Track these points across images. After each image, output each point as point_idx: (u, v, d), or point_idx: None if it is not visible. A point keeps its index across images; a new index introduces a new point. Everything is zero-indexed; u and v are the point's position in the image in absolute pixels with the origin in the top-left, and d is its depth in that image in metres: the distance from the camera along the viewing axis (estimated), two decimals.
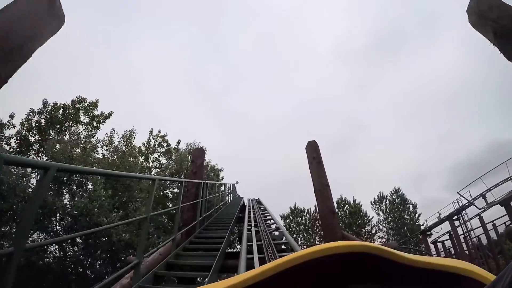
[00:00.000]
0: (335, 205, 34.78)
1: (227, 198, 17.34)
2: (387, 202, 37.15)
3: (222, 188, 15.07)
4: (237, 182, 22.45)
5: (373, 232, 35.03)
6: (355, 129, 57.17)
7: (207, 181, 7.78)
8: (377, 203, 37.46)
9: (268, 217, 9.95)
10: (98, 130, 16.51)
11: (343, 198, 35.32)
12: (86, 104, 16.53)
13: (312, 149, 7.68)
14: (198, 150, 8.06)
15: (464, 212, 23.30)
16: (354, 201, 36.49)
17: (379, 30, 62.71)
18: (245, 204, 15.36)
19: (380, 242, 33.96)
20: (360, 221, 35.04)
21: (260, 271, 0.47)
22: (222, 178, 22.67)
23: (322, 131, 59.28)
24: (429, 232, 28.15)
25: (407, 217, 35.78)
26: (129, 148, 16.10)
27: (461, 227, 23.57)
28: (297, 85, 65.34)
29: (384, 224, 35.82)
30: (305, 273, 0.49)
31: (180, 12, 67.99)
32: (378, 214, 36.69)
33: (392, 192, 38.22)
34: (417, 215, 35.78)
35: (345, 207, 35.37)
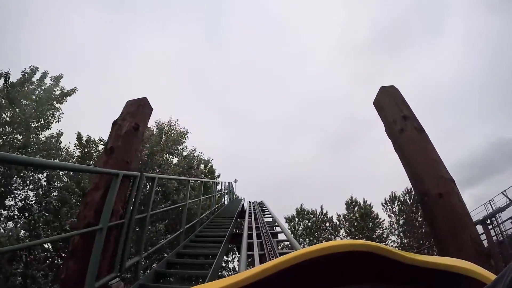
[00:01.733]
0: (344, 206, 30.80)
1: (223, 199, 12.93)
2: (399, 203, 32.79)
3: (214, 189, 10.59)
4: (235, 181, 18.04)
5: (384, 235, 30.73)
6: (357, 125, 53.27)
7: (157, 175, 3.29)
8: (388, 204, 33.05)
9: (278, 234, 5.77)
10: (56, 111, 11.87)
11: (354, 199, 30.70)
12: (40, 78, 11.98)
13: (397, 101, 3.24)
14: (135, 102, 3.15)
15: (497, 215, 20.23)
16: (365, 201, 32.12)
17: (383, 26, 58.75)
18: (245, 209, 11.08)
19: (394, 246, 29.85)
20: (371, 224, 30.76)
21: (261, 269, 0.45)
22: (219, 176, 18.06)
23: (322, 128, 55.15)
24: None
25: (421, 219, 31.41)
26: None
27: (494, 230, 20.43)
28: (299, 82, 61.01)
29: (396, 227, 31.52)
30: (306, 271, 0.47)
31: (181, 9, 63.47)
32: (390, 216, 32.29)
33: (404, 192, 33.73)
34: None
35: (355, 209, 30.84)
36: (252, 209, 10.01)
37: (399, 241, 30.75)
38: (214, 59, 63.91)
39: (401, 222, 30.72)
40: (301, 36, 64.56)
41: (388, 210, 32.25)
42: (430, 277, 0.49)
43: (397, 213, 31.45)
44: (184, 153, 14.21)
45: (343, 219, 30.61)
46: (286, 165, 48.86)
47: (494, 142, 40.27)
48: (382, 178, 41.58)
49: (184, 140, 14.32)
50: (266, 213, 9.67)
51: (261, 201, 12.46)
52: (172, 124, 14.69)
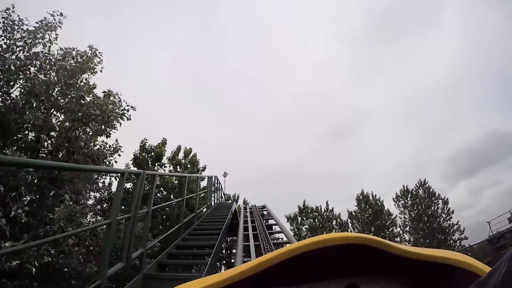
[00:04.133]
0: (355, 202, 26.34)
1: (211, 201, 8.24)
2: (409, 197, 28.80)
3: (137, 198, 5.82)
4: (225, 174, 13.38)
5: (395, 232, 26.67)
6: (353, 118, 49.61)
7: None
8: (401, 199, 29.02)
9: None
10: None
11: (365, 193, 26.26)
12: None
13: None
14: None
15: None
16: (374, 196, 27.83)
17: (381, 16, 54.60)
18: (238, 219, 6.46)
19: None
20: (384, 221, 26.54)
21: (257, 263, 0.44)
22: (204, 169, 13.33)
23: (319, 121, 51.56)
24: (496, 240, 19.74)
25: (439, 214, 27.40)
26: None
27: None
28: (296, 75, 56.38)
29: (409, 224, 27.51)
30: (302, 264, 0.46)
31: (176, 6, 57.90)
32: (403, 212, 28.27)
33: (417, 185, 29.67)
34: (449, 211, 27.29)
35: (367, 205, 26.40)
36: (249, 226, 5.32)
37: (411, 238, 26.91)
38: (210, 53, 58.65)
39: (415, 217, 26.86)
40: (297, 27, 59.75)
41: (401, 205, 28.40)
42: (425, 269, 0.48)
43: (409, 208, 27.64)
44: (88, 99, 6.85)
45: (354, 217, 26.24)
46: (283, 159, 44.81)
47: (490, 133, 38.88)
48: (383, 170, 38.55)
49: (91, 69, 6.74)
50: (276, 230, 5.09)
51: (264, 206, 7.76)
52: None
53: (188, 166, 12.52)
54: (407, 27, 51.40)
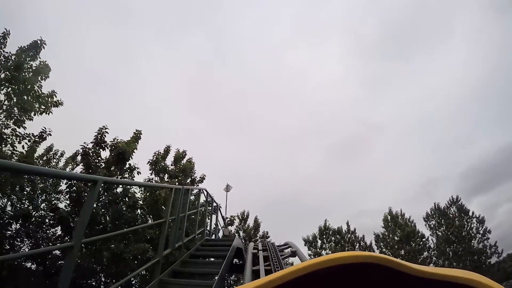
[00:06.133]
0: (382, 223, 21.98)
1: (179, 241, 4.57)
2: (439, 214, 24.52)
3: None
4: (227, 188, 9.47)
5: (425, 255, 22.34)
6: (363, 132, 45.77)
7: None
8: (431, 219, 24.87)
9: None
10: None
11: (394, 213, 21.92)
12: None
13: None
14: None
15: None
16: (403, 215, 23.58)
17: (392, 28, 51.47)
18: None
19: None
20: (417, 245, 22.20)
21: (268, 281, 0.43)
22: (202, 180, 9.44)
23: (331, 136, 47.92)
24: None
25: (474, 234, 23.08)
26: None
27: None
28: (306, 90, 52.90)
29: (440, 246, 23.15)
30: (312, 283, 0.45)
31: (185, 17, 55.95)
32: (436, 234, 24.08)
33: (449, 202, 25.49)
34: (486, 230, 22.46)
35: (396, 226, 22.00)
36: None
37: (442, 262, 22.48)
38: (219, 69, 55.55)
39: (446, 238, 22.49)
40: (308, 41, 56.78)
41: (432, 225, 24.21)
42: None
43: (439, 228, 23.42)
44: None
45: (381, 240, 21.88)
46: (293, 174, 40.76)
47: (504, 148, 35.18)
48: (395, 185, 35.30)
49: None
50: None
51: (289, 246, 3.88)
52: None
53: (180, 175, 8.70)
54: (419, 41, 48.08)
